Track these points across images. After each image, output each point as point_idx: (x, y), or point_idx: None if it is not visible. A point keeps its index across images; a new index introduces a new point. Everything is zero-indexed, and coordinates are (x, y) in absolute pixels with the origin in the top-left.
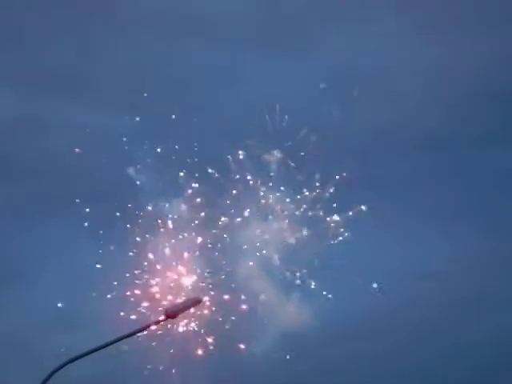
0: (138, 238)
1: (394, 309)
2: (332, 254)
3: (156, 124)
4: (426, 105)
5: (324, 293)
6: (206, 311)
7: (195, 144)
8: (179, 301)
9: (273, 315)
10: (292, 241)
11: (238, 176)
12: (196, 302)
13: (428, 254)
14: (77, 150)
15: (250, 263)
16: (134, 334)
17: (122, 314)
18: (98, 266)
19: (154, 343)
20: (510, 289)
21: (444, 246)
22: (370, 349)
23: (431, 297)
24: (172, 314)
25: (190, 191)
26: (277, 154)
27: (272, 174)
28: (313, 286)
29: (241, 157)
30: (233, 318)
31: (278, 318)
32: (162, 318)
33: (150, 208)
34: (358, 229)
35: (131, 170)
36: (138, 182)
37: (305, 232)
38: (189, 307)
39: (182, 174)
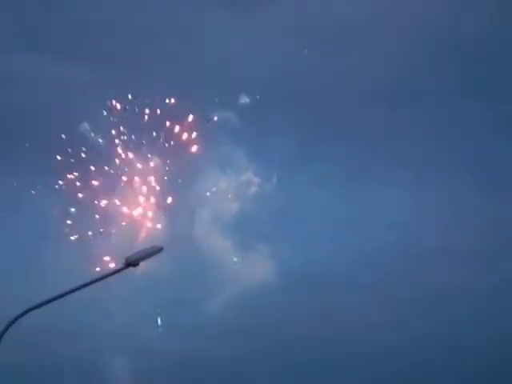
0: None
1: (362, 257)
2: (301, 201)
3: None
4: (392, 56)
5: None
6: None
7: (158, 97)
8: (140, 249)
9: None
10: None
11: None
12: (156, 251)
13: (396, 203)
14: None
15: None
16: (94, 282)
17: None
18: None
19: None
20: (478, 241)
21: (412, 195)
22: (335, 297)
23: (398, 246)
24: (133, 262)
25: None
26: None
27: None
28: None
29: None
30: None
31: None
32: (122, 266)
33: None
34: (324, 177)
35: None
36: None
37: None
38: (149, 255)
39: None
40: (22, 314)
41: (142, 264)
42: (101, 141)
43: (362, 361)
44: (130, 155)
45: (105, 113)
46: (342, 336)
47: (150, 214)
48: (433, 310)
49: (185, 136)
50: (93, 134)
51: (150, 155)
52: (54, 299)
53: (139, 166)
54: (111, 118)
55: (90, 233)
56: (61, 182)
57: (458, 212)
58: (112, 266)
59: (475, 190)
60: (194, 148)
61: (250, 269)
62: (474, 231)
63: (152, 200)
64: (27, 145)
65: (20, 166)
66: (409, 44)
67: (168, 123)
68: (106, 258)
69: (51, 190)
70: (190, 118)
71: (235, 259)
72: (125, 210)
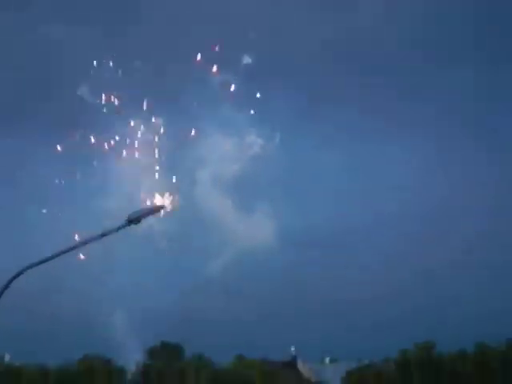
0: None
1: (369, 220)
2: (303, 163)
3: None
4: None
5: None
6: None
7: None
8: (143, 207)
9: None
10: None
11: None
12: (158, 208)
13: (398, 165)
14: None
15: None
16: (97, 239)
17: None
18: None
19: None
20: (482, 198)
21: (414, 157)
22: (337, 258)
23: (404, 209)
24: (135, 219)
25: None
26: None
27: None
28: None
29: None
30: None
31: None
32: (124, 223)
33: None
34: (326, 138)
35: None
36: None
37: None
38: (151, 213)
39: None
40: (23, 270)
41: (144, 222)
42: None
43: (362, 312)
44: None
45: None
46: (342, 293)
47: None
48: (436, 278)
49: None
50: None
51: (153, 116)
52: (56, 256)
53: (142, 127)
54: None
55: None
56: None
57: (458, 172)
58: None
59: (477, 152)
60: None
61: (250, 230)
62: (477, 191)
63: (152, 159)
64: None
65: (23, 128)
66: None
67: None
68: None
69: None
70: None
71: (236, 220)
72: (126, 169)
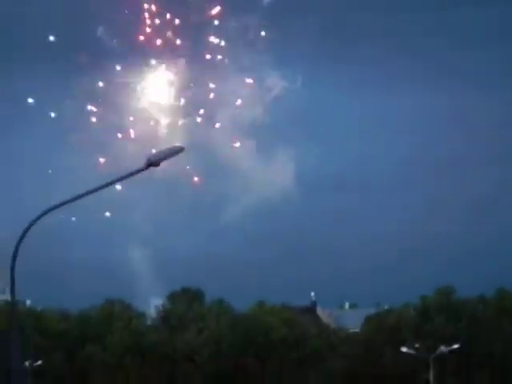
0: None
1: (387, 163)
2: (320, 104)
3: None
4: None
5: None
6: None
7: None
8: (162, 149)
9: None
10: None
11: None
12: (177, 151)
13: (418, 107)
14: None
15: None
16: (117, 181)
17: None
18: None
19: None
20: (493, 146)
21: (435, 100)
22: (359, 201)
23: (420, 153)
24: (154, 161)
25: None
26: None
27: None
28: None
29: None
30: None
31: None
32: (144, 165)
33: None
34: (349, 81)
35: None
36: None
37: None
38: (170, 155)
39: None
40: (43, 214)
41: (163, 164)
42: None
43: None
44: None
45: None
46: (362, 237)
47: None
48: (444, 208)
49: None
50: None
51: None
52: (75, 199)
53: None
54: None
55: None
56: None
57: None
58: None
59: (481, 102)
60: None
61: (271, 174)
62: (483, 138)
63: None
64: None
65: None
66: None
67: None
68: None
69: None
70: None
71: (256, 164)
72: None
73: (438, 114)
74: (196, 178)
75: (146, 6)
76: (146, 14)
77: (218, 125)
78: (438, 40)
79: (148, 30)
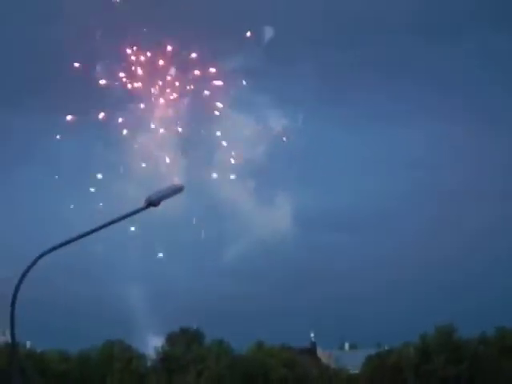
0: None
1: (385, 200)
2: (321, 143)
3: None
4: None
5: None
6: None
7: None
8: (161, 189)
9: None
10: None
11: None
12: (177, 190)
13: (415, 141)
14: None
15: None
16: (116, 221)
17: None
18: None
19: None
20: (503, 180)
21: (430, 132)
22: (355, 242)
23: (422, 187)
24: (154, 201)
25: None
26: None
27: None
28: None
29: None
30: None
31: None
32: (144, 205)
33: None
34: (346, 119)
35: None
36: None
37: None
38: (170, 195)
39: None
40: (48, 252)
41: (162, 204)
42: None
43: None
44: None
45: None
46: (361, 277)
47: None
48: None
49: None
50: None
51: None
52: (78, 238)
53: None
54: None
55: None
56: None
57: (474, 153)
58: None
59: (490, 132)
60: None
61: (269, 215)
62: (490, 171)
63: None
64: None
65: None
66: None
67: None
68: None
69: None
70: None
71: (253, 205)
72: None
73: (439, 149)
74: (194, 219)
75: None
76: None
77: (216, 165)
78: (443, 71)
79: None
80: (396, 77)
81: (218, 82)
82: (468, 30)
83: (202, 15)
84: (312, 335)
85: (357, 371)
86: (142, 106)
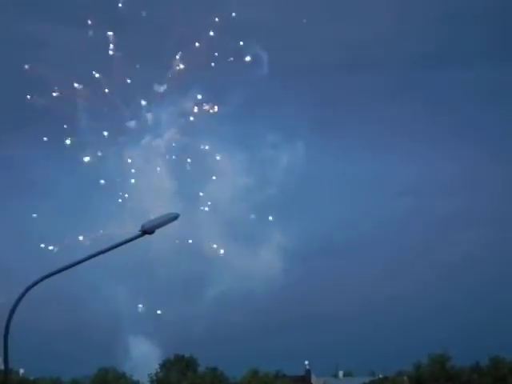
0: None
1: (376, 226)
2: (312, 172)
3: None
4: None
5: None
6: None
7: None
8: (156, 217)
9: None
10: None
11: None
12: (172, 218)
13: (404, 169)
14: None
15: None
16: (112, 248)
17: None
18: None
19: None
20: (491, 206)
21: (420, 164)
22: (345, 269)
23: (411, 214)
24: (149, 229)
25: None
26: None
27: None
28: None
29: None
30: None
31: None
32: (139, 233)
33: None
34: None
35: None
36: None
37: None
38: (165, 223)
39: None
40: (40, 280)
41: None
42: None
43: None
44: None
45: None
46: (353, 306)
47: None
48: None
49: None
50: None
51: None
52: (71, 266)
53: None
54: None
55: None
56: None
57: (467, 179)
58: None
59: (481, 159)
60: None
61: (255, 257)
62: (483, 196)
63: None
64: None
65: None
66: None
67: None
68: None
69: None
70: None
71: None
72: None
73: (430, 175)
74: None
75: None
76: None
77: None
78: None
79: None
80: (388, 105)
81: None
82: (462, 60)
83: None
84: (306, 363)
85: None
86: None
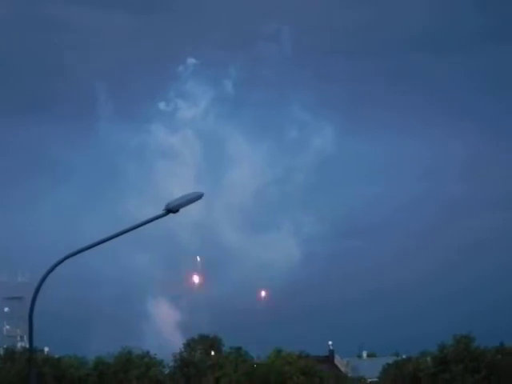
0: None
1: (396, 208)
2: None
3: None
4: None
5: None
6: None
7: None
8: (180, 195)
9: None
10: None
11: None
12: (196, 197)
13: (426, 151)
14: None
15: None
16: (136, 227)
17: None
18: None
19: None
20: (501, 188)
21: (438, 144)
22: (372, 250)
23: (428, 196)
24: (173, 208)
25: None
26: None
27: None
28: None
29: None
30: None
31: None
32: (163, 212)
33: None
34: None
35: None
36: None
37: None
38: (189, 202)
39: None
40: (63, 259)
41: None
42: None
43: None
44: None
45: None
46: (379, 286)
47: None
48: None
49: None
50: None
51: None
52: (94, 245)
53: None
54: None
55: None
56: None
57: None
58: None
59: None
60: None
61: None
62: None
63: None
64: None
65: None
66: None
67: None
68: None
69: None
70: None
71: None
72: None
73: (448, 159)
74: None
75: None
76: None
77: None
78: (457, 83)
79: None
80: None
81: None
82: (476, 46)
83: None
84: (330, 343)
85: (375, 379)
86: None
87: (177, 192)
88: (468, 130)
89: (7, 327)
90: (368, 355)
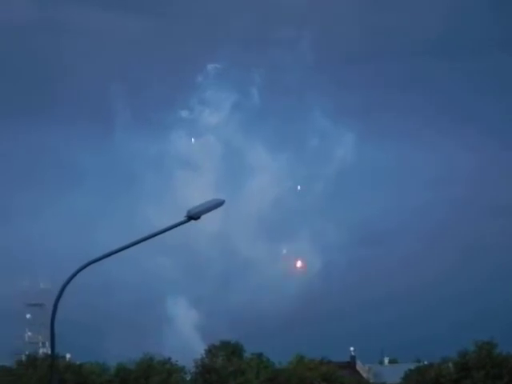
0: None
1: (407, 215)
2: (351, 164)
3: None
4: None
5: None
6: None
7: None
8: (202, 202)
9: None
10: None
11: None
12: (218, 204)
13: (436, 160)
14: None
15: None
16: (157, 234)
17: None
18: None
19: None
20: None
21: (449, 152)
22: (391, 257)
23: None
24: (194, 215)
25: None
26: None
27: None
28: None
29: None
30: None
31: None
32: (184, 219)
33: None
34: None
35: None
36: None
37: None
38: (211, 209)
39: None
40: (86, 266)
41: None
42: None
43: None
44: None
45: None
46: (401, 293)
47: None
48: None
49: None
50: None
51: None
52: (115, 252)
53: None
54: None
55: None
56: None
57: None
58: None
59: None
60: None
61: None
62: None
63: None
64: None
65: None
66: None
67: None
68: None
69: None
70: None
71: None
72: None
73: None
74: None
75: None
76: None
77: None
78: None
79: None
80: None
81: None
82: (485, 52)
83: None
84: (352, 349)
85: None
86: None
87: (194, 200)
88: (473, 137)
89: (29, 334)
90: (390, 361)
